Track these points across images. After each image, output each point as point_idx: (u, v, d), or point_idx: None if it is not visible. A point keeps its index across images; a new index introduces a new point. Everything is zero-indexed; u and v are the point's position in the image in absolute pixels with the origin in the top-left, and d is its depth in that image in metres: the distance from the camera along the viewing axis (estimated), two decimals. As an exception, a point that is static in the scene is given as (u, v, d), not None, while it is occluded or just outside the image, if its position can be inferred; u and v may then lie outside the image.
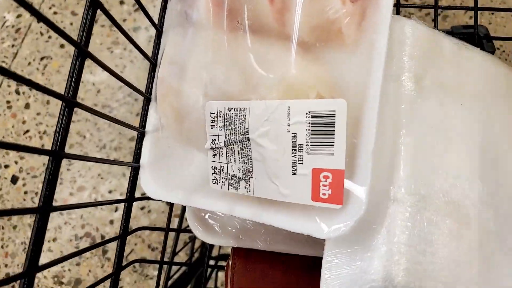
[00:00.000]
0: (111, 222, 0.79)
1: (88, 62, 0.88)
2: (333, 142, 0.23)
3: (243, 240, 0.33)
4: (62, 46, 0.92)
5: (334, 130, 0.23)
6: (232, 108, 0.26)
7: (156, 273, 0.78)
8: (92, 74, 0.85)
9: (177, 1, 0.31)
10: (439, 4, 0.38)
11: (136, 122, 0.86)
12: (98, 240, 0.79)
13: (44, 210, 0.22)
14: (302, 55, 0.25)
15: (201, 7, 0.27)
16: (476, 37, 0.40)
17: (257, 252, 0.33)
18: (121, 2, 0.93)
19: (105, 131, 0.83)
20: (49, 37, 0.93)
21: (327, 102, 0.23)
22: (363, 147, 0.23)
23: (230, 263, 0.33)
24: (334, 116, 0.23)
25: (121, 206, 0.87)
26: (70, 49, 0.90)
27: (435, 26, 0.37)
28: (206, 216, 0.34)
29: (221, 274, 0.77)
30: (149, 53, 0.33)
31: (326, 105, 0.23)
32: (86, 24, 0.25)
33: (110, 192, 0.80)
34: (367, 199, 0.22)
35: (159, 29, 0.34)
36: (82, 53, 0.25)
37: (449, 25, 0.82)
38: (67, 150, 0.91)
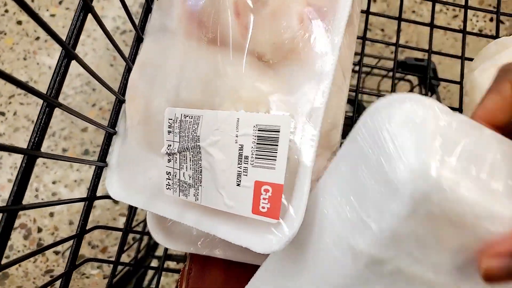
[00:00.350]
0: (51, 214, 0.77)
1: (47, 44, 0.86)
2: (276, 157, 0.25)
3: (201, 247, 0.33)
4: (19, 22, 0.89)
5: (277, 145, 0.24)
6: (187, 116, 0.27)
7: (93, 272, 0.76)
8: (49, 57, 0.83)
9: (156, 9, 0.32)
10: (399, 43, 0.43)
11: (91, 113, 0.85)
12: (34, 233, 0.76)
13: (13, 209, 0.22)
14: (259, 70, 0.27)
15: (174, 16, 0.29)
16: (426, 71, 0.46)
17: (214, 259, 0.34)
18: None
19: (56, 119, 0.81)
20: (6, 11, 0.90)
21: (273, 117, 0.25)
22: (303, 165, 0.25)
23: (186, 268, 0.34)
24: (279, 131, 0.24)
25: (64, 198, 0.84)
26: (27, 26, 0.87)
27: (395, 59, 0.42)
28: (167, 221, 0.35)
29: (163, 278, 0.77)
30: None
31: (272, 120, 0.25)
32: (76, 26, 0.26)
33: (53, 183, 0.78)
34: (301, 217, 0.24)
35: (140, 32, 0.34)
36: (69, 55, 0.25)
37: (403, 56, 0.89)
38: (11, 133, 0.87)
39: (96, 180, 0.33)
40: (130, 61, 0.34)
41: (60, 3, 0.86)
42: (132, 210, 0.47)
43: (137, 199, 0.30)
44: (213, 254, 0.34)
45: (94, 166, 0.32)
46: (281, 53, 0.27)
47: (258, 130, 0.25)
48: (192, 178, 0.28)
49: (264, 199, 0.25)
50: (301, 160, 0.25)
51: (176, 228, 0.35)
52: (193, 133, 0.27)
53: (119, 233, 0.46)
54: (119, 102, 0.33)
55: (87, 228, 0.33)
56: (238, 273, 0.34)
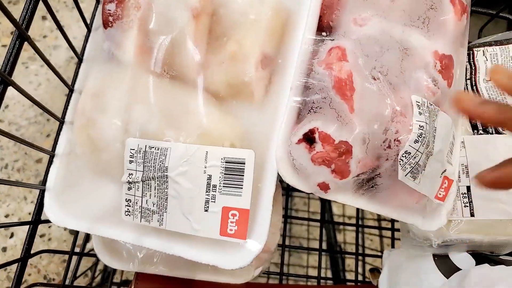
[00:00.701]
0: (4, 249, 0.72)
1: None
2: (242, 185, 0.26)
3: (146, 265, 0.33)
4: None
5: (243, 175, 0.26)
6: (153, 147, 0.27)
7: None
8: (0, 88, 0.79)
9: (104, 39, 0.32)
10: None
11: (46, 144, 0.81)
12: (-16, 270, 0.71)
13: None
14: (218, 107, 0.29)
15: (128, 50, 0.29)
16: None
17: (160, 277, 0.34)
18: (43, 18, 0.89)
19: (9, 150, 0.76)
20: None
21: (239, 151, 0.26)
22: (265, 192, 0.26)
23: (133, 287, 0.34)
24: (244, 164, 0.26)
25: (18, 231, 0.79)
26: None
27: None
28: (112, 242, 0.34)
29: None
30: (69, 75, 0.34)
31: (238, 154, 0.26)
32: (12, 54, 0.26)
33: (6, 216, 0.73)
34: (266, 235, 0.26)
35: (80, 57, 0.35)
36: (5, 82, 0.25)
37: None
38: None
39: (40, 204, 0.32)
40: (72, 86, 0.34)
41: (12, 33, 0.83)
42: (78, 232, 0.46)
43: (83, 224, 0.30)
44: (158, 272, 0.33)
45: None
46: (235, 93, 0.29)
47: (226, 162, 0.26)
48: (157, 205, 0.28)
49: (231, 222, 0.26)
50: (263, 187, 0.27)
51: (121, 248, 0.34)
52: (161, 163, 0.27)
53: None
54: (62, 125, 0.33)
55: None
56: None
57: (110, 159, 0.29)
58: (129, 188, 0.28)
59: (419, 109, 0.26)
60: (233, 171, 0.26)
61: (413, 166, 0.26)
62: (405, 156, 0.26)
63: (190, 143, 0.27)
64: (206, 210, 0.26)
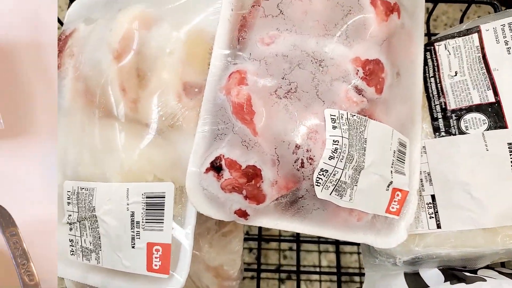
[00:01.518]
0: None
1: None
2: (163, 220, 0.26)
3: None
4: None
5: (164, 209, 0.26)
6: (83, 188, 0.28)
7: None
8: None
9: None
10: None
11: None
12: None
13: None
14: (149, 139, 0.29)
15: (65, 96, 0.31)
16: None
17: None
18: None
19: None
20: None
21: (158, 185, 0.26)
22: (186, 224, 0.26)
23: None
24: (164, 197, 0.26)
25: None
26: None
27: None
28: None
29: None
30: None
31: (157, 188, 0.26)
32: None
33: None
34: (188, 269, 0.25)
35: None
36: None
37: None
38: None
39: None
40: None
41: None
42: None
43: None
44: None
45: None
46: (167, 124, 0.29)
47: (146, 198, 0.26)
48: (93, 244, 0.28)
49: (156, 258, 0.26)
50: (184, 220, 0.26)
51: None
52: (89, 204, 0.28)
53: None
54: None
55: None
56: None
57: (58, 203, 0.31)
58: (70, 229, 0.30)
59: (334, 123, 0.24)
60: (154, 205, 0.26)
61: (336, 183, 0.25)
62: (323, 174, 0.24)
63: (115, 181, 0.28)
64: (133, 247, 0.27)
